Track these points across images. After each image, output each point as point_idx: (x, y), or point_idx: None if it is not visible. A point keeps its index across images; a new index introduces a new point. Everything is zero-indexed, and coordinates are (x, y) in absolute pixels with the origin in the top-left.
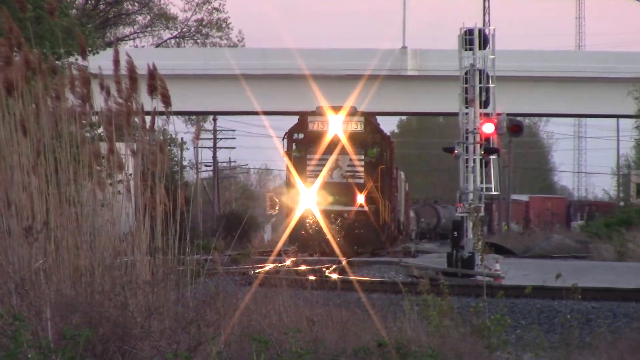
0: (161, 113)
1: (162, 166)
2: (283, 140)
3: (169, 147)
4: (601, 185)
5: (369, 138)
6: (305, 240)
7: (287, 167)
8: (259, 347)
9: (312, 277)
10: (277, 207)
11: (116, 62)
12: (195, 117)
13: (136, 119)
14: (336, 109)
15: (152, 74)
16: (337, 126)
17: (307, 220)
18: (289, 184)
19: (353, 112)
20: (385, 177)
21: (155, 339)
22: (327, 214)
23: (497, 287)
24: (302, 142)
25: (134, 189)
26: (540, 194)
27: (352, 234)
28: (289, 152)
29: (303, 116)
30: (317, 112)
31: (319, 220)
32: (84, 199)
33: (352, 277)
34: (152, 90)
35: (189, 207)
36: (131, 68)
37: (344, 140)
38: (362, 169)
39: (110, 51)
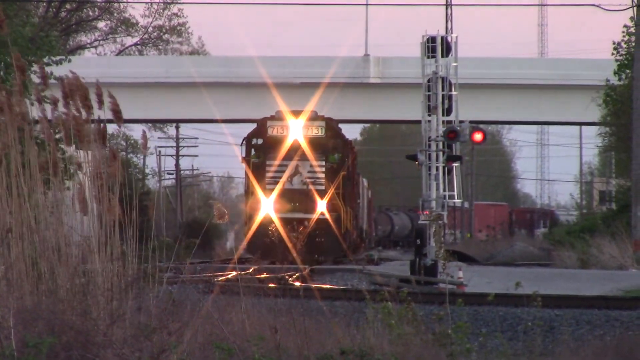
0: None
1: (115, 175)
2: (241, 145)
3: (130, 155)
4: (564, 193)
5: (330, 143)
6: (266, 248)
7: (246, 173)
8: (222, 354)
9: (275, 285)
10: (226, 217)
11: (44, 77)
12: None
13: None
14: (296, 113)
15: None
16: (297, 131)
17: (267, 228)
18: (247, 190)
19: (314, 117)
20: (347, 183)
21: (118, 346)
22: (287, 221)
23: (460, 295)
24: (261, 148)
25: (91, 196)
26: (485, 201)
27: (313, 242)
28: (247, 158)
29: (262, 121)
30: (277, 117)
31: (279, 228)
32: (44, 204)
33: (315, 284)
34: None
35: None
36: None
37: (304, 146)
38: (323, 175)
39: (74, 59)
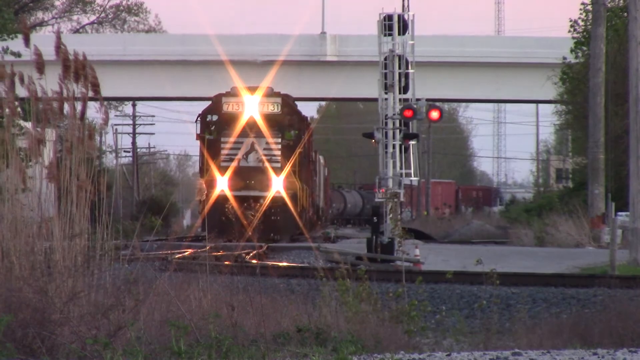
0: (89, 100)
1: (87, 152)
2: (196, 122)
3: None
4: (521, 171)
5: (286, 120)
6: (222, 226)
7: (201, 150)
8: (178, 332)
9: (231, 263)
10: (205, 194)
11: (58, 48)
12: (108, 102)
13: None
14: (252, 89)
15: (83, 63)
16: (252, 107)
17: (223, 206)
18: (202, 168)
19: (269, 93)
20: (303, 160)
21: (75, 324)
22: (242, 199)
23: (417, 273)
24: (216, 124)
25: (54, 174)
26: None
27: (269, 220)
28: (202, 135)
29: (217, 97)
30: (232, 93)
31: (235, 206)
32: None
33: (272, 262)
34: (78, 78)
35: (109, 193)
36: (66, 56)
37: (260, 122)
38: (279, 152)
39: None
